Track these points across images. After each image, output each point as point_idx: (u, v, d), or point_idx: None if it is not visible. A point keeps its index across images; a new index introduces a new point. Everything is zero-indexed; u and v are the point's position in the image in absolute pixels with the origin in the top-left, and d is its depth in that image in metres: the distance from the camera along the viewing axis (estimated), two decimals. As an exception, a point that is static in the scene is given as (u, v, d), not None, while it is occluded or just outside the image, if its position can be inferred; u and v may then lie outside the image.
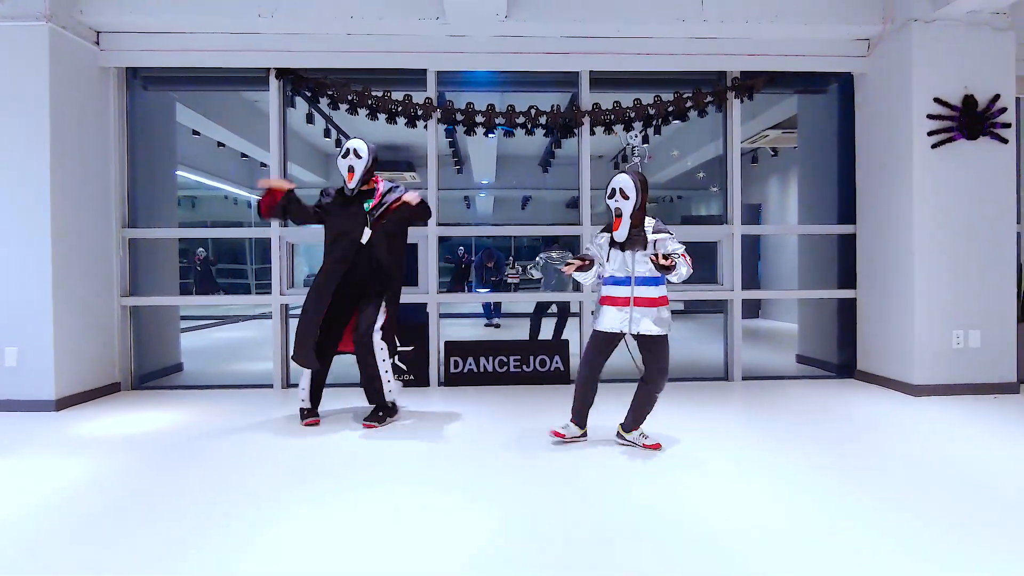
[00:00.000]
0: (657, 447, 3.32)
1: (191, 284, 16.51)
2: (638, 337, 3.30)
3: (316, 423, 3.94)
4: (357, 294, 3.94)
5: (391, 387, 3.98)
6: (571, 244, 7.14)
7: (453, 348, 5.18)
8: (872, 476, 2.95)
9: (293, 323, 5.24)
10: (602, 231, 3.40)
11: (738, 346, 5.25)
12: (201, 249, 16.24)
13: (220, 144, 9.50)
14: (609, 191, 3.28)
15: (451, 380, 5.14)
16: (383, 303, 3.91)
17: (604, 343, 3.36)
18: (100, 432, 3.80)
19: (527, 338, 6.70)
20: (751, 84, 5.11)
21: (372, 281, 3.91)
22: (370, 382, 3.92)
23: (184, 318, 10.33)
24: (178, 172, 10.85)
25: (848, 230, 5.33)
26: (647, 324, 3.24)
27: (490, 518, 2.47)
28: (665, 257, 3.04)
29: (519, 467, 3.09)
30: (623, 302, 3.27)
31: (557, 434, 3.44)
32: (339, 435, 3.68)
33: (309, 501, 2.65)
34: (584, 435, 3.49)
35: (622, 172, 3.29)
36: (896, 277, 4.78)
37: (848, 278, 5.37)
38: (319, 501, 2.65)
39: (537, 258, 7.15)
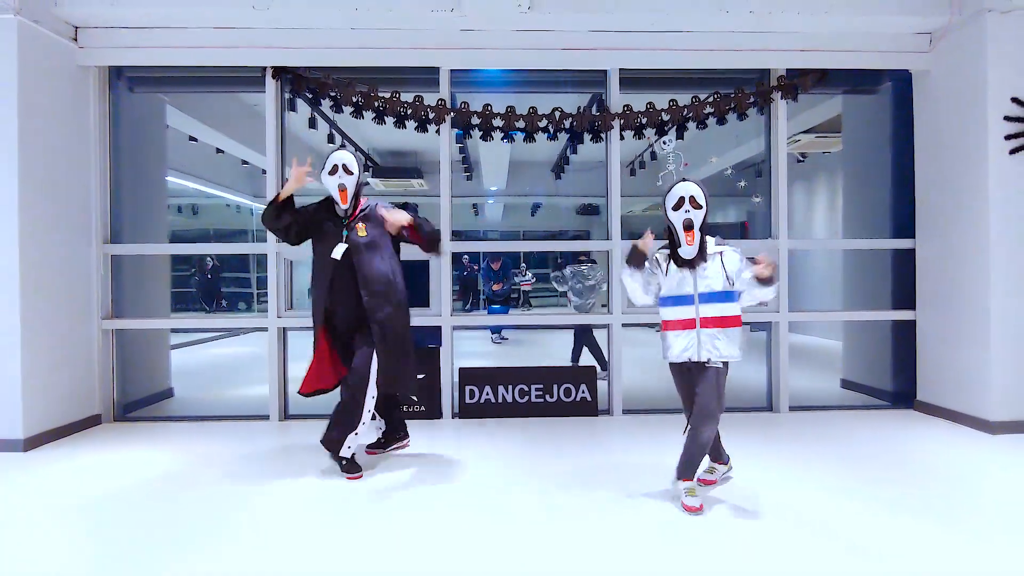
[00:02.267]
0: (697, 509, 2.77)
1: (193, 293, 16.20)
2: (696, 365, 2.87)
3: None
4: (352, 320, 3.39)
5: (351, 444, 3.35)
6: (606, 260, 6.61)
7: (468, 376, 4.68)
8: (951, 528, 2.47)
9: (293, 348, 4.78)
10: (661, 248, 2.99)
11: (784, 373, 4.73)
12: (209, 258, 15.90)
13: (219, 151, 9.07)
14: (675, 200, 2.85)
15: (466, 411, 4.63)
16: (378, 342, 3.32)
17: (680, 375, 2.98)
18: (71, 478, 3.33)
19: (569, 362, 6.21)
20: (799, 83, 4.60)
21: (362, 307, 3.32)
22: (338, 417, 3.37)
23: (179, 331, 9.90)
24: (178, 180, 10.46)
25: (906, 244, 4.80)
26: (723, 347, 2.81)
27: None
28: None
29: (539, 525, 2.58)
30: (688, 324, 2.84)
31: (705, 482, 3.10)
32: (335, 480, 3.18)
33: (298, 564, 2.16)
34: (729, 467, 3.23)
35: (685, 179, 2.89)
36: (967, 298, 4.25)
37: (905, 297, 4.84)
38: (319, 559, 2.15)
39: (564, 270, 6.55)
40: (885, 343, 5.08)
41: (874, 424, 4.32)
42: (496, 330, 9.95)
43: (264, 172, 4.72)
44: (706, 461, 3.15)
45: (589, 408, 4.65)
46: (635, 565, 2.31)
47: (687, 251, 2.84)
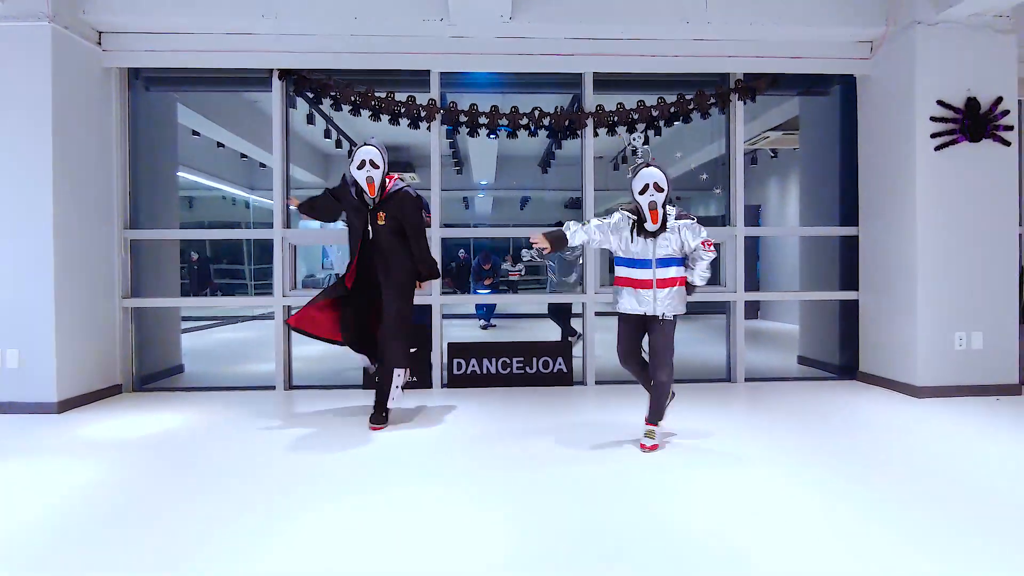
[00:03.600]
0: (651, 448, 3.34)
1: (188, 284, 16.52)
2: (652, 320, 3.36)
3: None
4: (371, 290, 3.97)
5: (396, 395, 3.98)
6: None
7: (456, 350, 5.18)
8: (875, 477, 2.96)
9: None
10: (626, 215, 3.41)
11: (741, 348, 5.26)
12: (194, 253, 16.22)
13: (220, 144, 9.48)
14: (641, 186, 3.29)
15: (454, 382, 5.13)
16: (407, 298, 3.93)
17: (628, 325, 3.43)
18: (102, 435, 3.78)
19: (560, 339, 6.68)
20: (754, 86, 5.12)
21: (389, 275, 3.87)
22: (381, 387, 3.95)
23: (189, 318, 10.32)
24: (181, 174, 10.86)
25: (851, 231, 5.35)
26: (674, 304, 3.33)
27: (497, 520, 2.47)
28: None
29: (524, 466, 3.09)
30: (645, 284, 3.32)
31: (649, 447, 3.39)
32: (343, 436, 3.68)
33: (315, 503, 2.64)
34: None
35: (649, 166, 3.34)
36: (899, 279, 4.79)
37: (850, 280, 5.38)
38: (325, 503, 2.64)
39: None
40: (834, 321, 5.62)
41: (819, 393, 4.85)
42: (484, 316, 10.45)
43: (262, 166, 5.18)
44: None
45: (565, 379, 5.17)
46: (595, 504, 2.82)
47: (651, 227, 3.31)
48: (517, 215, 17.51)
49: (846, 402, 4.54)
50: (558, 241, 3.41)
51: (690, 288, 3.41)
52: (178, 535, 2.36)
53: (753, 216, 11.29)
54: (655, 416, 3.43)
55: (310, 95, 5.12)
